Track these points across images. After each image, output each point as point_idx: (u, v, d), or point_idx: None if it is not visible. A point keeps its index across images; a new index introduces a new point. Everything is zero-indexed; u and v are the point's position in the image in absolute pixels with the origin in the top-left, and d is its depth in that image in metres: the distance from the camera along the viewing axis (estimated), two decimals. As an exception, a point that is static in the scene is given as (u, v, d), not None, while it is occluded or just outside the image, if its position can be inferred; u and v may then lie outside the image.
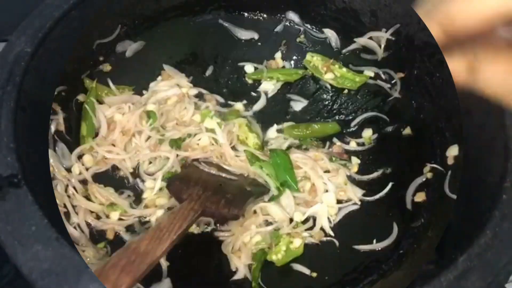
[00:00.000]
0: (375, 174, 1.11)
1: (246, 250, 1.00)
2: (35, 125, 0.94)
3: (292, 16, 1.33)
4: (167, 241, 0.83)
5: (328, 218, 1.04)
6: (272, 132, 1.17)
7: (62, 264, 0.70)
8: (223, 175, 1.07)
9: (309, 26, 1.33)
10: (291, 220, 1.04)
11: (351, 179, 1.11)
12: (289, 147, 1.13)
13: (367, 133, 1.17)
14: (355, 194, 1.07)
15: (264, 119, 1.20)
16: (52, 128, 1.08)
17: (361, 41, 1.27)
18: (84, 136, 1.10)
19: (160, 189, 1.05)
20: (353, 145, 1.15)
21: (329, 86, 1.26)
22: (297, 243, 1.00)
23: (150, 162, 1.10)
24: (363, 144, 1.16)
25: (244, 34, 1.32)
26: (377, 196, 1.08)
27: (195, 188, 0.98)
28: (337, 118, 1.21)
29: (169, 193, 1.02)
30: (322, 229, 1.04)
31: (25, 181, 0.78)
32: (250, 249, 1.00)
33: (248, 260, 0.99)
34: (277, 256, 0.99)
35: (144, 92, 1.20)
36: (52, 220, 0.75)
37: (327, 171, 1.09)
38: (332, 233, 1.03)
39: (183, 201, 0.94)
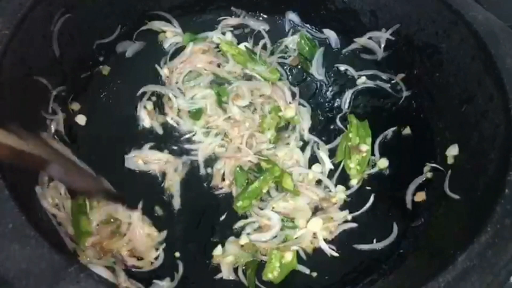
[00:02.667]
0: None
1: (227, 266, 0.99)
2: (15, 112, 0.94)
3: (292, 16, 1.33)
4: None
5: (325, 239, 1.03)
6: None
7: (41, 265, 0.69)
8: None
9: (309, 26, 1.33)
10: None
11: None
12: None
13: (383, 164, 1.13)
14: (342, 216, 1.05)
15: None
16: (52, 128, 1.08)
17: (361, 41, 1.27)
18: (86, 232, 0.97)
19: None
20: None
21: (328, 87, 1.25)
22: (288, 257, 0.99)
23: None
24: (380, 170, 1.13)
25: (244, 34, 1.33)
26: (363, 209, 1.07)
27: None
28: (337, 117, 1.20)
29: None
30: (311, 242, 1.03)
31: (2, 174, 0.78)
32: (230, 264, 0.99)
33: (231, 275, 0.98)
34: (273, 274, 0.98)
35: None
36: (31, 217, 0.74)
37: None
38: (331, 251, 1.02)
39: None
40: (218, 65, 1.24)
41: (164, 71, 1.23)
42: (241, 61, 1.23)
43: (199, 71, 1.22)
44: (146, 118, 1.15)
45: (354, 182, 1.11)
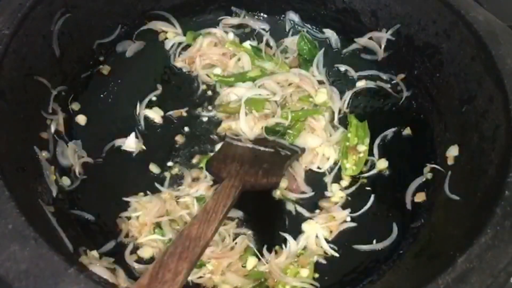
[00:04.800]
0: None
1: None
2: (15, 112, 0.95)
3: (292, 16, 1.32)
4: (215, 221, 0.85)
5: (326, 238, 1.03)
6: None
7: (40, 266, 0.69)
8: (257, 147, 1.08)
9: (309, 26, 1.33)
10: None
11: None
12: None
13: (383, 164, 1.12)
14: (344, 215, 1.05)
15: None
16: (52, 128, 1.08)
17: (361, 41, 1.27)
18: None
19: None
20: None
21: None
22: (304, 273, 0.98)
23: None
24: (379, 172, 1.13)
25: (244, 34, 1.33)
26: (363, 210, 1.07)
27: (233, 164, 1.01)
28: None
29: (209, 174, 1.05)
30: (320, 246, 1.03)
31: (2, 174, 0.78)
32: None
33: None
34: None
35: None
36: (30, 217, 0.74)
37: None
38: (332, 251, 1.02)
39: (223, 180, 0.96)
40: (230, 57, 1.25)
41: (181, 64, 1.25)
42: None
43: (215, 63, 1.24)
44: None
45: (347, 183, 1.11)
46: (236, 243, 1.00)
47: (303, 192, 1.09)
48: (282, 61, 1.24)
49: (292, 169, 1.10)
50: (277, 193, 1.08)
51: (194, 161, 1.11)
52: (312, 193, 1.09)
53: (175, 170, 1.10)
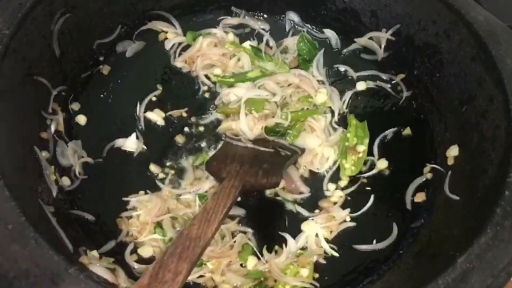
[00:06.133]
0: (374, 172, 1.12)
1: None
2: (15, 112, 0.95)
3: (292, 16, 1.32)
4: (215, 222, 0.86)
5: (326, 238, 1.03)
6: None
7: (40, 266, 0.69)
8: (257, 147, 1.08)
9: (309, 26, 1.32)
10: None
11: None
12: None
13: (383, 164, 1.12)
14: (344, 215, 1.05)
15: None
16: (52, 128, 1.08)
17: (361, 41, 1.27)
18: None
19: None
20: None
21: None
22: (304, 273, 0.97)
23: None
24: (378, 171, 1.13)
25: (244, 34, 1.32)
26: (363, 210, 1.07)
27: (232, 164, 1.01)
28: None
29: (209, 174, 1.05)
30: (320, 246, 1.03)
31: (2, 174, 0.78)
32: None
33: None
34: None
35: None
36: (30, 218, 0.74)
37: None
38: (332, 251, 1.02)
39: (223, 180, 0.96)
40: (230, 58, 1.25)
41: (181, 64, 1.25)
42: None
43: (215, 64, 1.24)
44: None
45: (346, 183, 1.11)
46: (235, 241, 1.00)
47: (301, 193, 1.09)
48: (282, 62, 1.24)
49: (288, 170, 1.10)
50: (267, 192, 1.08)
51: (195, 161, 1.11)
52: (309, 194, 1.09)
53: (176, 170, 1.10)
